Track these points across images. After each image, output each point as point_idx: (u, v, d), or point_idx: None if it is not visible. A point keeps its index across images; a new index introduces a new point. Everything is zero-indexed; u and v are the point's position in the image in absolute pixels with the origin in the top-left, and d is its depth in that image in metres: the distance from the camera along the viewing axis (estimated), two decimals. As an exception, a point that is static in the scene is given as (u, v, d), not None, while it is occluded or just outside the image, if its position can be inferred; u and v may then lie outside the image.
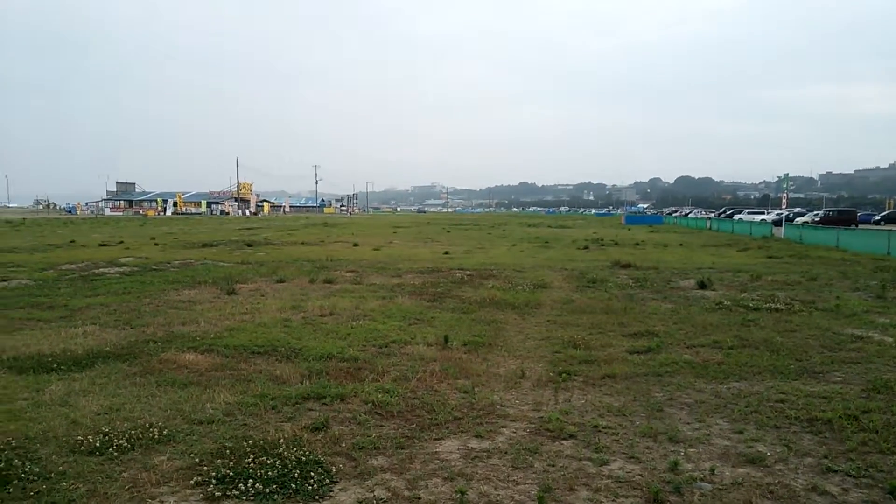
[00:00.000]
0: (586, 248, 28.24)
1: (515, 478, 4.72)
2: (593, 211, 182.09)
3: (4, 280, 15.76)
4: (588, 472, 4.83)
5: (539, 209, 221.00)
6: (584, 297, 13.31)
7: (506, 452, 5.17)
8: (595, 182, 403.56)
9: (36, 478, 4.59)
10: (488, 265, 19.93)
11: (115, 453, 5.04)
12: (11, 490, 4.41)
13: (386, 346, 8.72)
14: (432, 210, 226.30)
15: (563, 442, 5.41)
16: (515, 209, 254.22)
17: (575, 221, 77.37)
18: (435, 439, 5.46)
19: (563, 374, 7.33)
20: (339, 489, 4.54)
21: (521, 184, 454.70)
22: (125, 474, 4.72)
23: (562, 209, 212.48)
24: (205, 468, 4.76)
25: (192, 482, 4.58)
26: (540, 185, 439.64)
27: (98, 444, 5.15)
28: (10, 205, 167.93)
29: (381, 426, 5.76)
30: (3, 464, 4.70)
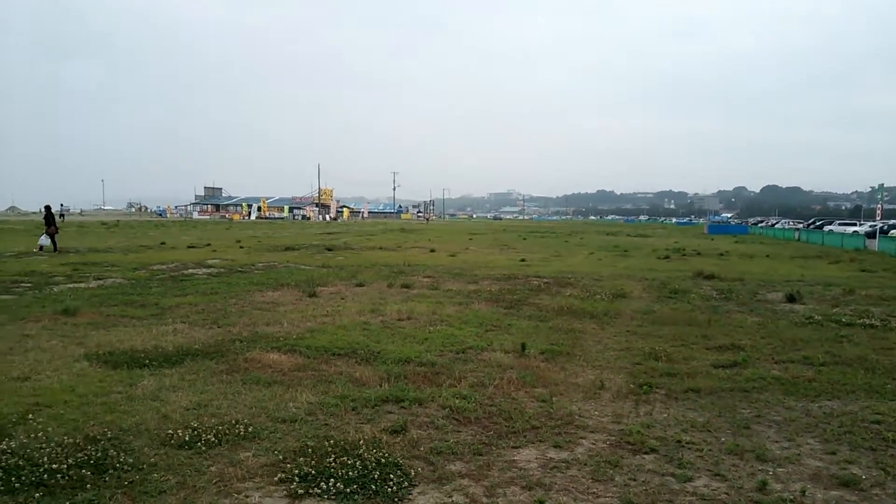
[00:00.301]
0: (667, 257, 27.56)
1: (595, 490, 4.63)
2: (674, 220, 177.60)
3: (100, 279, 16.64)
4: (671, 487, 4.69)
5: (617, 217, 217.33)
6: (665, 307, 12.99)
7: (585, 464, 5.09)
8: (676, 190, 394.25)
9: (130, 468, 4.80)
10: (565, 273, 19.72)
11: (203, 448, 5.23)
12: (108, 479, 4.62)
13: (463, 352, 8.73)
14: (508, 217, 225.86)
15: (645, 456, 5.29)
16: (593, 217, 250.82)
17: (655, 230, 75.70)
18: (513, 447, 5.43)
19: (644, 387, 7.17)
20: (418, 492, 4.57)
21: (598, 191, 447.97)
22: (213, 468, 4.89)
23: (641, 218, 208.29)
24: (288, 465, 4.87)
25: (276, 479, 4.69)
26: (619, 193, 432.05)
27: (187, 439, 5.35)
28: (105, 207, 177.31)
29: (459, 432, 5.77)
30: (100, 453, 4.95)
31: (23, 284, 15.34)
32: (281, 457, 5.07)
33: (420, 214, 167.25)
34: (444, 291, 14.90)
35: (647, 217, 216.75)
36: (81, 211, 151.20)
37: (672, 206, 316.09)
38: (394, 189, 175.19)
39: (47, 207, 28.00)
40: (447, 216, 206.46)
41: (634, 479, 4.81)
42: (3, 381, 6.97)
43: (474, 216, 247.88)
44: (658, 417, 6.26)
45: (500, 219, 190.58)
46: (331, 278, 17.18)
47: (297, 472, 4.74)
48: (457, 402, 6.46)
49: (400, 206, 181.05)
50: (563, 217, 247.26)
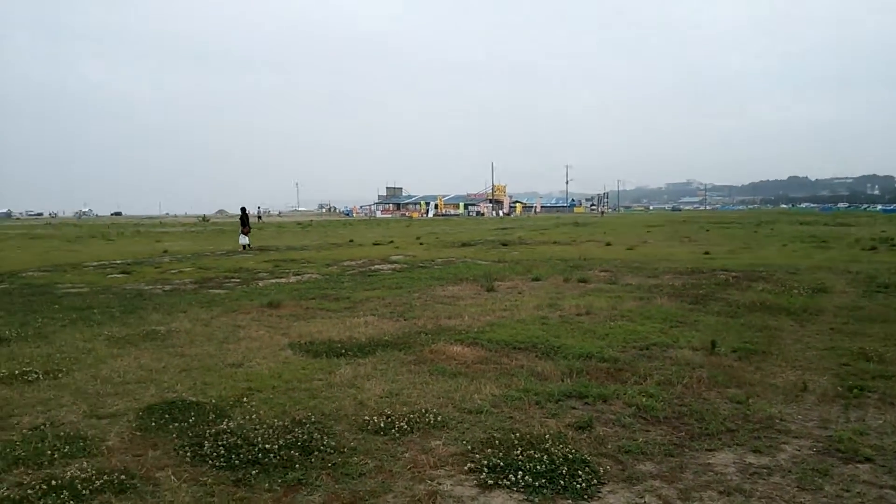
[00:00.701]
0: (873, 248, 24.88)
1: (802, 500, 4.29)
2: (879, 207, 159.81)
3: (298, 274, 18.03)
4: (892, 502, 4.25)
5: (812, 206, 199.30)
6: (874, 303, 11.76)
7: (789, 471, 4.73)
8: (881, 174, 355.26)
9: (332, 451, 5.13)
10: (756, 266, 18.45)
11: (397, 434, 5.48)
12: (313, 460, 4.98)
13: (647, 349, 8.46)
14: (688, 208, 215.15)
15: (859, 465, 4.82)
16: (784, 206, 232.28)
17: (857, 219, 68.51)
18: (707, 450, 5.17)
19: (854, 390, 6.54)
20: (608, 491, 4.49)
21: (790, 178, 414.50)
22: (406, 455, 5.11)
23: (840, 206, 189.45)
24: (477, 456, 4.98)
25: (465, 468, 4.82)
26: (813, 179, 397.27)
27: (382, 425, 5.63)
28: (300, 208, 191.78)
29: (647, 431, 5.59)
30: (306, 436, 5.35)
31: (233, 280, 17.01)
32: (469, 447, 5.20)
33: (593, 208, 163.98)
34: (623, 286, 14.51)
35: (846, 205, 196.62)
36: (280, 212, 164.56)
37: (876, 192, 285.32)
38: (566, 182, 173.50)
39: (242, 209, 30.70)
40: (622, 209, 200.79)
41: (847, 490, 4.41)
42: (221, 367, 7.76)
43: (651, 208, 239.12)
44: (872, 424, 5.69)
45: (679, 210, 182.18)
46: (507, 273, 17.35)
47: (485, 462, 4.83)
48: (643, 400, 6.27)
49: (573, 200, 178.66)
50: (750, 206, 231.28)
